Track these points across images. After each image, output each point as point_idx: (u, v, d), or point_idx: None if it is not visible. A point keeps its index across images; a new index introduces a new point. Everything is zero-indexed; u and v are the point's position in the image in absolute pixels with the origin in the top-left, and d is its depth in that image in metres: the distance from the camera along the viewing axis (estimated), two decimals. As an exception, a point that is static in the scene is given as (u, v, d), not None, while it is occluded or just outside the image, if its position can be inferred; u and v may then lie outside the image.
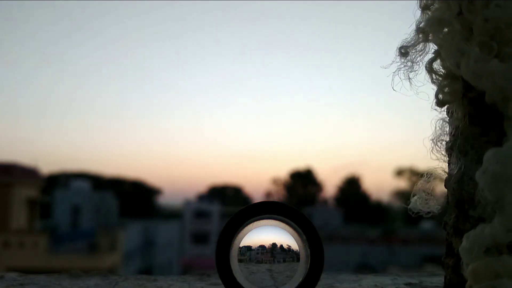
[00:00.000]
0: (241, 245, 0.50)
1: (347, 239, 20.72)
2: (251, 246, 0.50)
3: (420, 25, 0.50)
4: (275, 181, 32.55)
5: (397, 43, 0.51)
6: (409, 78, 0.50)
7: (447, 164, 0.53)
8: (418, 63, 0.50)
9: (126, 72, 39.18)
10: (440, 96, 0.51)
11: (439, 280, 0.64)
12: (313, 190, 32.54)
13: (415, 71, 0.50)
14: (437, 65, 0.51)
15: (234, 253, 0.50)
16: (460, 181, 0.49)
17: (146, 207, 28.71)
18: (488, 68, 0.43)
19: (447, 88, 0.50)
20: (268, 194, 31.08)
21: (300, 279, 0.50)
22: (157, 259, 20.98)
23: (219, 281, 0.50)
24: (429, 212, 0.52)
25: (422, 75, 0.51)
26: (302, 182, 32.26)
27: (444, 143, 0.53)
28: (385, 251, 20.34)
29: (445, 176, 0.53)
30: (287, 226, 0.51)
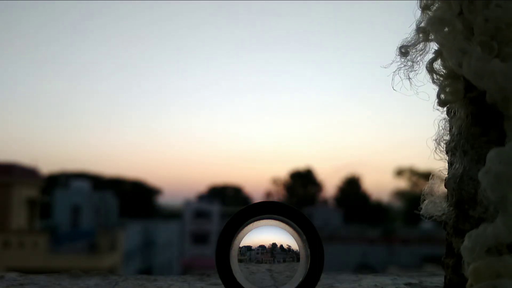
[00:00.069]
0: (241, 245, 0.50)
1: (347, 239, 20.72)
2: (251, 246, 0.50)
3: (421, 25, 0.50)
4: (275, 181, 32.59)
5: (397, 42, 0.51)
6: (409, 78, 0.50)
7: (447, 164, 0.53)
8: (418, 62, 0.50)
9: (126, 72, 39.20)
10: (442, 96, 0.51)
11: (439, 280, 0.64)
12: (313, 190, 32.55)
13: (415, 70, 0.50)
14: (437, 65, 0.51)
15: (234, 253, 0.50)
16: (460, 181, 0.49)
17: (146, 207, 28.71)
18: (489, 67, 0.43)
19: (448, 88, 0.50)
20: (268, 194, 31.12)
21: (300, 279, 0.50)
22: (157, 259, 20.99)
23: (219, 281, 0.50)
24: (442, 215, 0.51)
25: (422, 75, 0.51)
26: (302, 182, 32.27)
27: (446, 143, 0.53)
28: (385, 251, 20.35)
29: (445, 176, 0.53)
30: (287, 226, 0.51)
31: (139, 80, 39.58)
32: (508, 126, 0.45)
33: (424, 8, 0.50)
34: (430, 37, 0.50)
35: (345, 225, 24.75)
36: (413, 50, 0.50)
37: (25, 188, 15.78)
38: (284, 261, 0.50)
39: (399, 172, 28.68)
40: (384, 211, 30.78)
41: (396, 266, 16.56)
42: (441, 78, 0.51)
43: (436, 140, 0.53)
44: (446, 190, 0.52)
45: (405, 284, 0.64)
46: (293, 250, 0.50)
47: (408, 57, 0.50)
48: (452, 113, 0.52)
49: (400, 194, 29.82)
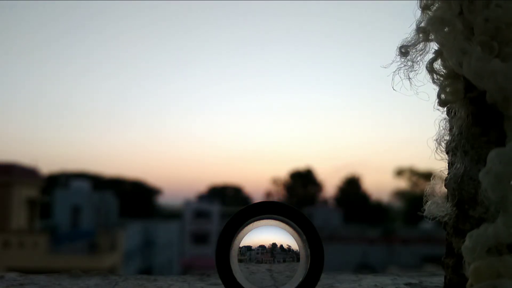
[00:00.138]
0: (241, 245, 0.50)
1: (347, 239, 20.72)
2: (251, 246, 0.50)
3: (421, 25, 0.50)
4: (275, 181, 32.60)
5: (397, 42, 0.51)
6: (410, 78, 0.50)
7: (447, 164, 0.53)
8: (418, 62, 0.50)
9: (126, 72, 39.21)
10: (443, 96, 0.51)
11: (439, 280, 0.64)
12: (313, 190, 32.56)
13: (415, 70, 0.50)
14: (438, 65, 0.51)
15: (234, 253, 0.50)
16: (460, 181, 0.49)
17: (146, 207, 28.72)
18: (489, 67, 0.43)
19: (449, 88, 0.50)
20: (268, 194, 31.12)
21: (300, 279, 0.50)
22: (157, 259, 20.99)
23: (219, 281, 0.50)
24: (445, 216, 0.51)
25: (422, 75, 0.51)
26: (302, 182, 32.27)
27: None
28: (385, 251, 20.35)
29: (445, 176, 0.53)
30: (287, 226, 0.51)
31: (139, 80, 39.61)
32: (508, 126, 0.45)
33: (424, 8, 0.50)
34: (430, 37, 0.50)
35: (345, 225, 24.75)
36: (413, 50, 0.50)
37: (25, 188, 15.78)
38: (284, 261, 0.50)
39: (399, 172, 28.71)
40: (384, 211, 30.78)
41: (396, 266, 16.55)
42: (441, 78, 0.50)
43: (436, 140, 0.53)
44: (446, 190, 0.52)
45: (405, 284, 0.64)
46: (293, 250, 0.50)
47: (408, 57, 0.50)
48: (452, 113, 0.52)
49: (400, 194, 29.85)
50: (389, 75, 0.51)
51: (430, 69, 0.50)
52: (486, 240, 0.42)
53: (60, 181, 23.49)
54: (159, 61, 39.61)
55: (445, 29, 0.47)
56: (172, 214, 28.52)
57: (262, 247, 0.50)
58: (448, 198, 0.51)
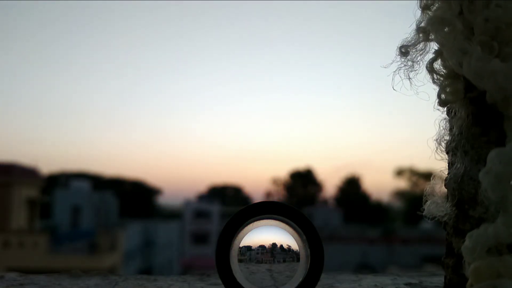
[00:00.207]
0: (241, 245, 0.50)
1: (347, 239, 20.72)
2: (251, 246, 0.50)
3: (421, 25, 0.50)
4: (275, 181, 32.59)
5: (397, 42, 0.51)
6: (409, 78, 0.50)
7: (447, 164, 0.53)
8: (418, 62, 0.50)
9: (126, 72, 39.22)
10: (443, 96, 0.51)
11: (439, 280, 0.64)
12: (313, 190, 32.56)
13: (415, 70, 0.50)
14: (438, 65, 0.51)
15: (234, 253, 0.50)
16: (460, 181, 0.49)
17: (146, 207, 28.72)
18: (489, 67, 0.43)
19: (449, 88, 0.50)
20: (268, 194, 31.12)
21: (300, 279, 0.50)
22: (157, 259, 20.99)
23: (219, 281, 0.50)
24: (445, 215, 0.51)
25: (422, 75, 0.51)
26: (302, 182, 32.28)
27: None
28: (385, 251, 20.35)
29: (445, 176, 0.53)
30: (287, 226, 0.51)
31: (140, 80, 39.62)
32: (508, 126, 0.45)
33: (424, 8, 0.50)
34: (430, 37, 0.50)
35: (345, 225, 24.75)
36: (413, 50, 0.50)
37: (25, 188, 15.78)
38: (284, 261, 0.50)
39: (399, 172, 28.71)
40: (384, 211, 30.78)
41: (396, 266, 16.55)
42: (441, 78, 0.51)
43: (437, 140, 0.53)
44: (446, 190, 0.52)
45: (405, 284, 0.64)
46: (293, 250, 0.50)
47: (408, 57, 0.50)
48: (452, 113, 0.52)
49: (400, 194, 29.85)
50: (389, 75, 0.51)
51: (430, 69, 0.50)
52: (486, 240, 0.42)
53: (60, 181, 23.49)
54: (159, 61, 39.64)
55: (445, 29, 0.47)
56: (172, 214, 28.52)
57: (262, 247, 0.50)
58: (448, 198, 0.51)
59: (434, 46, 0.50)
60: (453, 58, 0.46)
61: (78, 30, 36.19)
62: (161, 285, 0.63)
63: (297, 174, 32.19)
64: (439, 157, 0.53)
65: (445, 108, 0.52)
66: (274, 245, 0.50)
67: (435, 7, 0.49)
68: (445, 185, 0.52)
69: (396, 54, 0.51)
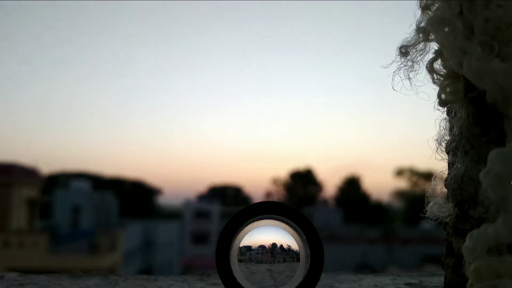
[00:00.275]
0: (241, 245, 0.50)
1: (347, 239, 20.71)
2: (251, 246, 0.50)
3: (421, 25, 0.50)
4: (275, 181, 32.60)
5: (397, 42, 0.51)
6: (410, 78, 0.50)
7: (447, 164, 0.53)
8: (418, 62, 0.50)
9: (126, 72, 39.20)
10: (443, 96, 0.51)
11: (439, 280, 0.64)
12: (313, 190, 32.56)
13: (415, 70, 0.50)
14: (438, 65, 0.51)
15: (234, 253, 0.50)
16: (460, 181, 0.49)
17: (146, 207, 28.72)
18: (489, 67, 0.43)
19: (449, 88, 0.50)
20: (268, 194, 31.12)
21: (300, 279, 0.50)
22: (157, 259, 20.98)
23: (219, 281, 0.50)
24: (447, 216, 0.51)
25: (422, 75, 0.51)
26: (302, 182, 32.27)
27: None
28: (385, 251, 20.34)
29: (445, 176, 0.52)
30: (287, 226, 0.51)
31: (140, 80, 39.60)
32: (508, 126, 0.45)
33: (424, 8, 0.50)
34: (430, 37, 0.49)
35: (345, 225, 24.76)
36: (413, 50, 0.50)
37: (25, 188, 15.78)
38: (284, 261, 0.50)
39: (399, 172, 28.71)
40: (384, 211, 30.77)
41: (396, 266, 16.55)
42: (442, 78, 0.50)
43: (437, 140, 0.53)
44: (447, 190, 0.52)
45: (405, 284, 0.64)
46: (293, 250, 0.50)
47: (408, 57, 0.50)
48: (452, 113, 0.51)
49: (400, 194, 29.85)
50: (389, 75, 0.51)
51: (430, 69, 0.50)
52: (486, 240, 0.42)
53: (60, 181, 23.47)
54: (159, 62, 39.63)
55: (445, 29, 0.47)
56: (172, 214, 28.52)
57: (262, 247, 0.50)
58: (448, 199, 0.51)
59: (434, 46, 0.50)
60: (453, 58, 0.46)
61: (79, 30, 36.19)
62: (161, 285, 0.62)
63: (297, 174, 32.20)
64: (439, 157, 0.53)
65: (445, 108, 0.52)
66: (274, 245, 0.50)
67: (435, 7, 0.49)
68: (445, 185, 0.52)
69: (396, 54, 0.51)
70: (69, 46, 36.40)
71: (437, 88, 0.51)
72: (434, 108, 0.52)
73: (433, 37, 0.49)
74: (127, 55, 38.23)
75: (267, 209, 0.51)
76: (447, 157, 0.53)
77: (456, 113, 0.51)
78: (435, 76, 0.51)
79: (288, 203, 0.52)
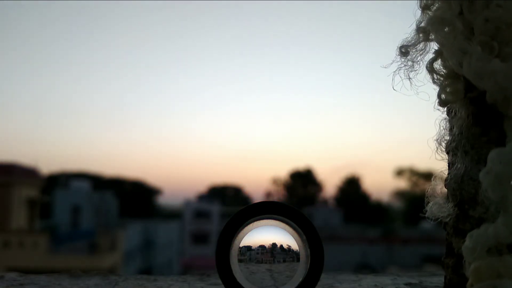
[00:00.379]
0: (241, 245, 0.50)
1: (347, 239, 20.71)
2: (251, 246, 0.50)
3: (421, 25, 0.50)
4: (275, 181, 32.60)
5: (398, 42, 0.51)
6: (410, 78, 0.50)
7: (447, 164, 0.53)
8: (418, 62, 0.50)
9: (126, 72, 39.21)
10: (443, 96, 0.51)
11: (439, 280, 0.64)
12: (313, 190, 32.56)
13: (415, 70, 0.50)
14: (438, 65, 0.51)
15: (234, 253, 0.50)
16: (460, 181, 0.49)
17: (146, 207, 28.72)
18: (489, 67, 0.43)
19: (449, 88, 0.50)
20: (268, 194, 31.12)
21: (300, 279, 0.50)
22: (157, 259, 20.98)
23: (219, 281, 0.50)
24: (447, 216, 0.51)
25: (422, 75, 0.51)
26: (302, 182, 32.28)
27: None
28: (385, 251, 20.34)
29: (445, 176, 0.52)
30: (287, 226, 0.51)
31: (140, 80, 39.61)
32: (508, 126, 0.45)
33: (424, 8, 0.50)
34: (430, 37, 0.49)
35: (345, 225, 24.76)
36: (413, 50, 0.50)
37: (25, 188, 15.78)
38: (284, 261, 0.50)
39: (399, 172, 28.72)
40: (384, 211, 30.78)
41: (396, 266, 16.55)
42: (442, 78, 0.50)
43: (437, 140, 0.53)
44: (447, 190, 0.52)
45: (405, 284, 0.64)
46: (293, 250, 0.50)
47: (408, 57, 0.50)
48: (452, 113, 0.51)
49: (400, 194, 29.86)
50: (389, 75, 0.51)
51: (430, 69, 0.50)
52: (486, 240, 0.42)
53: (60, 181, 23.46)
54: (159, 61, 39.63)
55: (445, 29, 0.47)
56: (172, 214, 28.52)
57: (262, 247, 0.50)
58: (448, 199, 0.51)
59: (434, 46, 0.50)
60: (453, 58, 0.46)
61: (78, 30, 36.20)
62: (161, 285, 0.62)
63: (297, 174, 32.20)
64: (439, 157, 0.53)
65: (445, 108, 0.52)
66: (274, 245, 0.50)
67: (435, 7, 0.49)
68: (445, 185, 0.52)
69: (396, 54, 0.51)
70: (69, 45, 36.43)
71: (437, 88, 0.51)
72: (434, 108, 0.52)
73: (433, 37, 0.49)
74: (127, 55, 38.25)
75: (267, 209, 0.51)
76: (447, 157, 0.53)
77: (456, 113, 0.51)
78: (435, 76, 0.51)
79: (288, 203, 0.52)
